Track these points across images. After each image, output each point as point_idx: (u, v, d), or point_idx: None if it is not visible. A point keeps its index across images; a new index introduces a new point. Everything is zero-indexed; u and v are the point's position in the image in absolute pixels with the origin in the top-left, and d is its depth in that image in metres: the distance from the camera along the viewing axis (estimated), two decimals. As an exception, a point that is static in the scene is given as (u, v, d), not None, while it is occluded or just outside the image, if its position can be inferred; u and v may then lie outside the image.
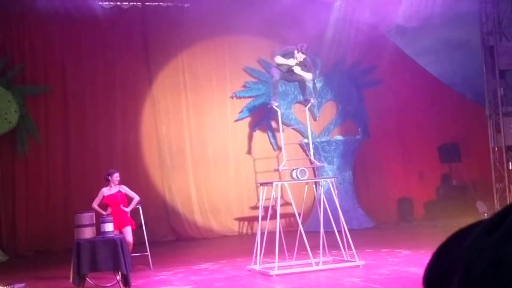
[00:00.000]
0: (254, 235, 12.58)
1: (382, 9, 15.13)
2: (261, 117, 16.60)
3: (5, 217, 15.02)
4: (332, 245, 10.69)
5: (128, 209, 10.81)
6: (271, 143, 16.72)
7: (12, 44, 15.43)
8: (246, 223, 16.38)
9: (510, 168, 14.10)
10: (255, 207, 15.30)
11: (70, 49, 15.71)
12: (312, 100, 11.91)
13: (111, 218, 9.99)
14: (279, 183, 10.68)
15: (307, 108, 12.00)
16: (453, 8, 14.59)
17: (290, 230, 13.23)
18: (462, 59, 15.27)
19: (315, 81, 16.71)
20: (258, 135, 16.77)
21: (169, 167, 16.12)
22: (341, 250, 10.51)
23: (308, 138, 16.12)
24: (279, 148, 15.88)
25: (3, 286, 9.06)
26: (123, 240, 9.64)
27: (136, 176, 15.87)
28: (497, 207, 13.80)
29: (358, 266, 10.09)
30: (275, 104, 11.29)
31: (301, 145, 16.27)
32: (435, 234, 12.55)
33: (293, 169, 10.68)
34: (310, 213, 15.35)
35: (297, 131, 16.28)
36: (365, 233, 14.30)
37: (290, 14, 14.92)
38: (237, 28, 15.76)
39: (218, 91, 16.67)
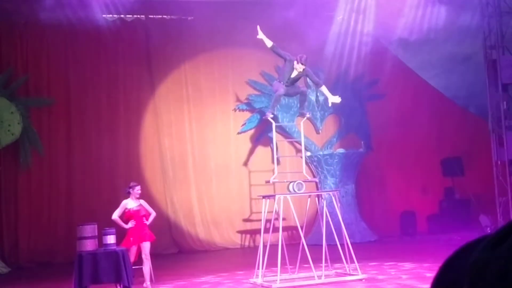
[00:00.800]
0: (256, 247, 12.55)
1: (385, 23, 15.18)
2: (264, 130, 16.61)
3: (7, 229, 15.01)
4: (335, 258, 10.66)
5: (147, 223, 10.66)
6: (273, 156, 16.71)
7: (16, 56, 15.49)
8: (248, 235, 16.35)
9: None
10: (257, 220, 15.27)
11: (73, 62, 15.76)
12: (307, 115, 11.89)
13: (113, 230, 9.97)
14: (282, 196, 10.67)
15: (301, 122, 12.00)
16: (456, 22, 14.63)
17: (292, 243, 13.21)
18: (465, 73, 15.28)
19: (318, 94, 16.74)
20: (261, 148, 16.77)
21: (171, 179, 16.12)
22: (343, 264, 10.47)
23: (309, 151, 16.19)
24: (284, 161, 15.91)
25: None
26: (125, 252, 9.62)
27: (138, 188, 15.86)
28: (500, 221, 13.76)
29: (361, 279, 10.06)
30: (270, 116, 11.28)
31: (303, 158, 16.22)
32: (438, 248, 12.52)
33: (290, 182, 10.65)
34: (312, 226, 15.32)
35: (299, 143, 16.25)
36: (368, 247, 14.25)
37: (293, 27, 14.96)
38: (240, 41, 15.80)
39: (221, 104, 16.69)
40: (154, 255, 12.48)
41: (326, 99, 16.92)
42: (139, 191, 10.40)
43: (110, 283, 9.57)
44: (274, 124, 11.77)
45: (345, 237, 10.37)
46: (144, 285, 10.07)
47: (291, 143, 16.47)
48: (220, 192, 16.47)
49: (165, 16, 16.29)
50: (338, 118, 17.31)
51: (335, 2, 15.78)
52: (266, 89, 16.60)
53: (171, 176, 16.11)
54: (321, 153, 16.25)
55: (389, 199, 17.24)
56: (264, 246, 10.20)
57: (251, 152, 16.78)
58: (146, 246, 10.15)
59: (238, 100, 16.77)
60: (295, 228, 12.35)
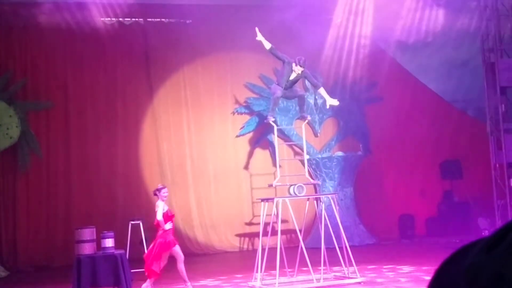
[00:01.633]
0: (255, 251, 12.55)
1: (383, 26, 15.19)
2: (263, 133, 16.62)
3: (5, 232, 15.00)
4: (333, 261, 10.66)
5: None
6: (273, 159, 16.71)
7: (14, 59, 15.49)
8: (247, 239, 16.34)
9: (512, 184, 14.07)
10: (256, 223, 15.26)
11: (72, 65, 15.77)
12: (308, 117, 11.91)
13: (111, 234, 9.96)
14: (280, 199, 10.66)
15: (303, 125, 12.00)
16: (454, 25, 14.65)
17: (291, 246, 13.20)
18: (463, 76, 15.30)
19: (316, 97, 16.76)
20: (259, 151, 16.77)
21: (169, 183, 16.08)
22: (342, 267, 10.47)
23: (308, 154, 16.18)
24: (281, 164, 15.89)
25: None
26: (123, 256, 9.62)
27: (137, 191, 15.88)
28: (499, 223, 13.76)
29: (360, 282, 10.06)
30: (271, 120, 11.29)
31: (302, 161, 16.23)
32: (436, 251, 12.52)
33: (291, 185, 10.66)
34: (311, 229, 15.32)
35: (298, 147, 16.28)
36: (367, 250, 14.25)
37: (292, 31, 14.96)
38: (238, 44, 15.80)
39: (219, 107, 16.69)
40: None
41: (324, 102, 16.98)
42: (166, 194, 10.24)
43: (108, 286, 9.56)
44: (275, 128, 11.78)
45: (344, 240, 10.37)
46: (188, 284, 10.01)
47: (289, 146, 16.47)
48: (219, 195, 16.47)
49: (163, 20, 16.29)
50: (337, 121, 17.32)
51: (333, 5, 15.79)
52: (264, 92, 16.61)
53: (170, 179, 16.10)
54: (319, 156, 16.25)
55: (388, 202, 17.24)
56: (263, 250, 10.20)
57: (250, 155, 16.78)
58: (178, 249, 10.04)
59: (236, 103, 16.78)
60: (294, 231, 12.35)
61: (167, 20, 16.27)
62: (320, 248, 10.45)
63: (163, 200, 10.08)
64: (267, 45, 10.97)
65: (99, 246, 9.86)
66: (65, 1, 14.34)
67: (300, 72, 10.85)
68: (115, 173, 15.74)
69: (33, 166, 15.21)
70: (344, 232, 10.58)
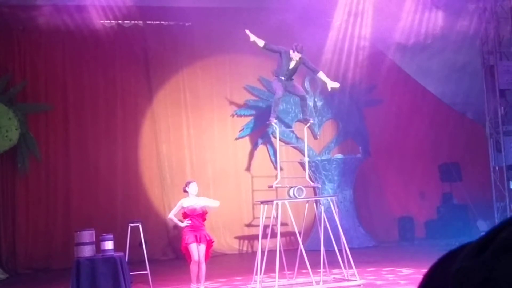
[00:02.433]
0: (254, 253, 12.54)
1: (382, 28, 15.20)
2: (262, 136, 16.63)
3: (5, 235, 14.99)
4: (333, 264, 10.65)
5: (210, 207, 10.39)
6: (272, 161, 16.71)
7: (13, 62, 15.49)
8: (246, 241, 16.33)
9: (511, 187, 14.08)
10: (255, 226, 15.26)
11: (71, 67, 15.77)
12: (311, 120, 11.94)
13: (111, 236, 9.95)
14: (279, 202, 10.66)
15: (305, 127, 12.02)
16: (453, 27, 14.66)
17: (290, 249, 13.20)
18: (462, 79, 15.31)
19: (316, 99, 16.76)
20: (259, 153, 16.77)
21: (169, 185, 16.10)
22: (341, 269, 10.47)
23: (308, 157, 16.16)
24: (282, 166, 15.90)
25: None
26: (122, 259, 9.60)
27: (136, 194, 15.89)
28: (498, 226, 13.74)
29: (359, 285, 10.05)
30: (273, 121, 11.32)
31: (301, 164, 16.25)
32: (435, 253, 12.47)
33: (290, 188, 10.66)
34: (310, 231, 15.31)
35: (298, 149, 16.28)
36: (366, 252, 14.25)
37: (291, 33, 14.96)
38: (237, 46, 15.79)
39: (218, 109, 16.70)
40: (152, 260, 12.48)
41: (323, 104, 17.02)
42: (188, 190, 10.15)
43: (108, 289, 9.54)
44: (277, 129, 11.81)
45: (343, 243, 10.37)
46: (193, 285, 9.97)
47: (288, 148, 16.46)
48: (218, 198, 16.37)
49: (162, 22, 16.30)
50: (336, 124, 17.33)
51: (332, 8, 15.80)
52: (264, 94, 16.63)
53: (169, 181, 16.09)
54: (319, 158, 16.25)
55: (387, 205, 17.24)
56: (262, 252, 10.19)
57: (249, 157, 16.77)
58: (201, 249, 9.94)
59: (236, 105, 16.78)
60: (293, 233, 12.35)
61: (167, 22, 16.28)
62: (320, 251, 10.45)
63: (192, 196, 10.08)
64: (261, 43, 11.03)
65: (98, 249, 9.86)
66: (64, 4, 14.34)
67: (298, 58, 10.89)
68: (114, 175, 15.74)
69: (32, 168, 15.21)
70: (344, 234, 10.58)
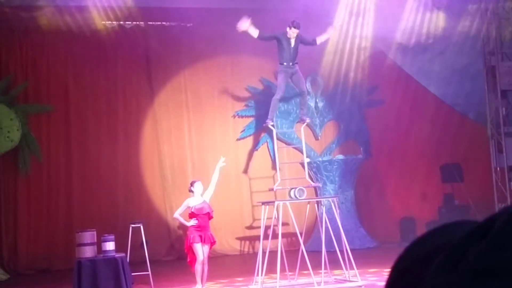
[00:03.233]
0: (255, 254, 12.54)
1: (383, 29, 15.20)
2: (263, 137, 16.63)
3: (6, 235, 15.00)
4: (334, 265, 10.65)
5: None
6: (273, 162, 16.71)
7: (15, 62, 15.51)
8: (247, 242, 16.33)
9: (512, 188, 14.07)
10: (257, 227, 15.25)
11: (73, 68, 15.78)
12: (307, 120, 11.90)
13: (112, 237, 9.95)
14: (281, 203, 10.66)
15: (302, 128, 12.01)
16: (454, 28, 14.65)
17: (291, 250, 13.19)
18: (464, 79, 15.30)
19: (317, 100, 16.76)
20: (260, 154, 16.77)
21: (170, 186, 16.11)
22: (343, 270, 10.46)
23: (309, 157, 16.18)
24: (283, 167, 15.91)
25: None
26: (124, 259, 9.61)
27: (137, 194, 15.89)
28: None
29: (360, 286, 10.04)
30: (270, 123, 11.31)
31: (302, 164, 16.23)
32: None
33: (291, 189, 10.66)
34: (312, 232, 15.30)
35: (299, 150, 16.26)
36: (367, 253, 14.24)
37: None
38: (239, 47, 15.80)
39: (220, 110, 16.70)
40: (153, 261, 12.48)
41: (324, 105, 17.00)
42: (195, 188, 10.17)
43: (109, 290, 9.55)
44: (274, 132, 11.79)
45: (345, 244, 10.36)
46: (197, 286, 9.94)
47: (290, 149, 16.46)
48: (219, 198, 16.43)
49: (164, 23, 16.30)
50: (338, 124, 17.32)
51: (334, 8, 15.79)
52: (265, 95, 16.61)
53: (170, 182, 16.10)
54: (320, 159, 16.25)
55: (389, 206, 17.23)
56: (264, 253, 10.19)
57: (250, 158, 16.77)
58: (205, 250, 9.92)
59: (237, 106, 16.78)
60: (295, 234, 12.34)
61: (168, 23, 16.28)
62: (321, 252, 10.44)
63: (197, 195, 10.06)
64: (255, 33, 10.99)
65: (99, 250, 9.87)
66: (66, 4, 14.35)
67: (296, 34, 10.87)
68: (115, 176, 15.75)
69: (34, 169, 15.22)
70: (345, 235, 10.57)
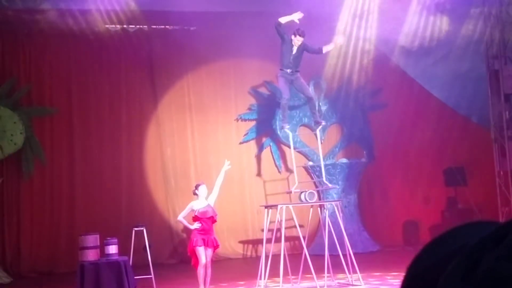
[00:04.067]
0: (258, 258, 12.53)
1: (387, 32, 15.19)
2: (266, 140, 16.63)
3: (9, 238, 15.00)
4: (337, 268, 10.64)
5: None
6: (276, 166, 16.71)
7: (18, 66, 15.53)
8: (250, 245, 16.32)
9: (516, 192, 14.04)
10: (260, 230, 15.25)
11: (76, 71, 15.80)
12: (323, 123, 11.92)
13: (115, 240, 9.94)
14: (284, 206, 10.66)
15: (317, 130, 12.00)
16: (458, 32, 14.64)
17: (294, 253, 13.18)
18: (467, 83, 15.28)
19: (320, 104, 16.75)
20: (263, 157, 16.76)
21: (173, 189, 16.11)
22: (346, 274, 10.45)
23: (312, 161, 16.17)
24: (287, 171, 15.93)
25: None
26: (127, 263, 9.61)
27: (140, 197, 15.90)
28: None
29: (363, 290, 10.03)
30: (286, 127, 11.35)
31: (305, 168, 16.24)
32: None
33: (302, 192, 10.68)
34: (315, 236, 15.29)
35: (302, 154, 16.29)
36: (370, 257, 14.22)
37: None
38: (242, 51, 15.82)
39: (223, 113, 16.70)
40: (156, 264, 12.48)
41: (328, 108, 16.99)
42: (200, 191, 10.12)
43: (112, 293, 9.54)
44: (290, 135, 11.81)
45: (348, 247, 10.35)
46: None
47: (290, 153, 16.45)
48: (222, 202, 16.42)
49: (167, 27, 16.32)
50: (341, 128, 17.30)
51: (337, 12, 15.79)
52: (268, 99, 16.62)
53: (173, 185, 16.10)
54: (323, 162, 16.21)
55: (392, 209, 17.20)
56: (266, 256, 10.18)
57: (253, 162, 16.76)
58: (209, 253, 9.88)
59: (240, 109, 16.78)
60: (298, 238, 12.32)
61: (171, 27, 16.30)
62: (324, 255, 10.43)
63: (201, 198, 10.02)
64: (283, 19, 11.00)
65: (102, 253, 9.87)
66: (69, 8, 14.37)
67: (300, 42, 10.86)
68: (119, 179, 15.75)
69: (37, 172, 15.23)
70: (348, 239, 10.57)
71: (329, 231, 10.38)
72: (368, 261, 12.75)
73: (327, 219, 10.65)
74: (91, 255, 9.57)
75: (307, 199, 10.52)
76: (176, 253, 15.90)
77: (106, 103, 16.00)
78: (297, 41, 10.81)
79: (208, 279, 9.97)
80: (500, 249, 0.61)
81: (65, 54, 15.71)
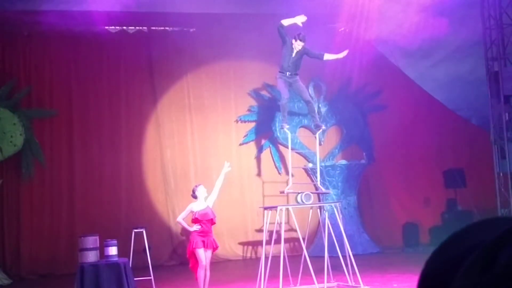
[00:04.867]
0: (258, 259, 12.53)
1: (387, 34, 15.20)
2: (266, 142, 16.63)
3: (9, 240, 15.00)
4: (337, 270, 10.63)
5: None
6: (276, 167, 16.72)
7: (18, 67, 15.53)
8: (250, 247, 16.32)
9: (516, 193, 14.04)
10: (259, 231, 15.25)
11: (76, 73, 15.80)
12: (323, 127, 11.90)
13: (115, 242, 9.94)
14: (284, 207, 10.65)
15: (317, 134, 11.98)
16: (457, 33, 14.65)
17: (294, 255, 13.18)
18: (466, 85, 15.29)
19: (320, 105, 16.76)
20: (263, 159, 16.76)
21: (173, 190, 16.11)
22: (345, 275, 10.45)
23: (313, 163, 16.18)
24: (287, 172, 15.91)
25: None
26: (126, 264, 9.60)
27: (140, 199, 15.89)
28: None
29: (363, 291, 10.03)
30: (286, 127, 11.34)
31: (305, 170, 16.25)
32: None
33: (298, 193, 10.67)
34: (314, 237, 15.29)
35: (302, 155, 16.29)
36: (370, 258, 14.22)
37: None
38: (242, 52, 15.84)
39: (223, 115, 16.71)
40: (155, 266, 12.48)
41: (327, 110, 17.00)
42: (199, 192, 10.11)
43: (111, 295, 9.54)
44: (289, 135, 11.80)
45: (347, 249, 10.35)
46: None
47: (293, 154, 16.45)
48: (222, 203, 16.43)
49: (167, 28, 16.34)
50: (340, 130, 17.31)
51: (337, 13, 15.81)
52: (268, 101, 16.63)
53: (173, 186, 16.10)
54: (322, 164, 16.22)
55: (391, 211, 17.20)
56: (266, 258, 10.18)
57: (253, 163, 16.76)
58: (208, 255, 9.88)
59: (240, 111, 16.78)
60: (297, 239, 12.33)
61: (171, 28, 16.31)
62: (324, 257, 10.43)
63: (200, 199, 10.01)
64: (285, 22, 10.97)
65: (102, 254, 9.87)
66: (69, 9, 14.37)
67: (300, 47, 10.83)
68: (118, 180, 15.75)
69: (37, 174, 15.22)
70: (348, 240, 10.57)
71: (329, 233, 10.37)
72: (368, 263, 12.76)
73: (327, 221, 10.65)
74: (90, 257, 9.57)
75: (303, 201, 10.51)
76: (176, 254, 15.90)
77: (106, 105, 16.00)
78: (297, 45, 10.79)
79: (208, 281, 9.97)
80: None
81: (65, 55, 15.71)
